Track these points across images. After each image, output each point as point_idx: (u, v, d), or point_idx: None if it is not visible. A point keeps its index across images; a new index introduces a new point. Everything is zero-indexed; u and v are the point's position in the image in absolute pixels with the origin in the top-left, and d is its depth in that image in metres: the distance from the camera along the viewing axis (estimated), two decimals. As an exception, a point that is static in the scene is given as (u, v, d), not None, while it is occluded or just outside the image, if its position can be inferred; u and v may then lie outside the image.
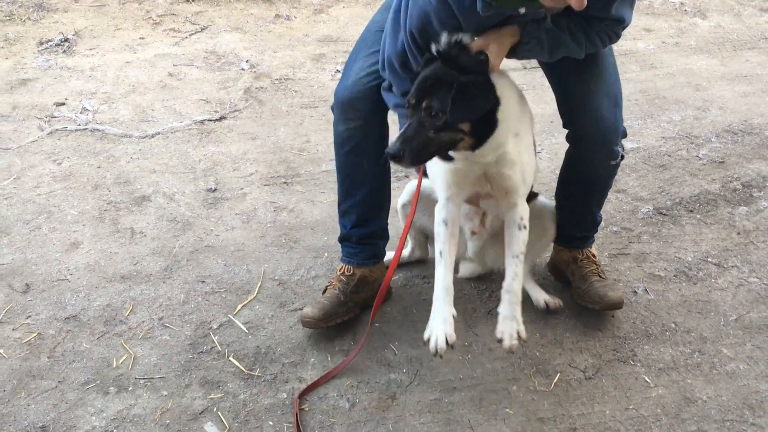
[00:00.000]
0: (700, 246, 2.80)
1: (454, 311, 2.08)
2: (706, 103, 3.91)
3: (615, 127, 2.25)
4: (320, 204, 3.05)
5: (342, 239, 2.48)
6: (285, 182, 3.20)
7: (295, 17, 4.80)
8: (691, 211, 3.02)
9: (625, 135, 2.31)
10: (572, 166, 2.41)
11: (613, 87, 2.25)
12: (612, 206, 3.01)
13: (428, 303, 2.50)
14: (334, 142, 2.35)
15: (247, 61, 4.23)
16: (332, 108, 2.32)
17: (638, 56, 4.36)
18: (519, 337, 2.10)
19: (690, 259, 2.74)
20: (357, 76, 2.21)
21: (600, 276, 2.48)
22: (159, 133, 3.51)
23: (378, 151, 2.34)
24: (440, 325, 2.03)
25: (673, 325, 2.43)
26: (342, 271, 2.47)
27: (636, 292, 2.57)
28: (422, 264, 2.70)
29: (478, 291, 2.57)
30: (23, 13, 4.61)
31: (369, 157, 2.33)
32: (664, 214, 2.99)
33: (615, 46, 4.50)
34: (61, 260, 2.69)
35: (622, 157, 2.33)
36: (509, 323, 2.10)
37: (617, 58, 4.34)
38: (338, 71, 4.18)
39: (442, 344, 2.01)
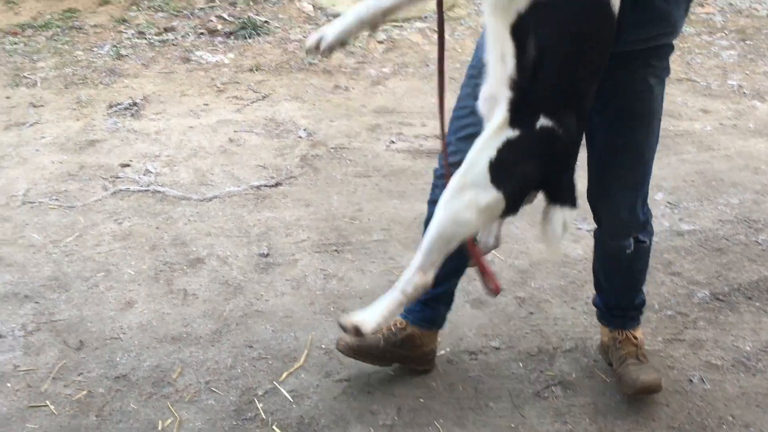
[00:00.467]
0: (759, 335, 2.71)
1: (354, 27, 1.81)
2: (765, 186, 3.84)
3: (629, 222, 2.22)
4: (370, 274, 3.06)
5: None
6: (336, 250, 3.23)
7: (353, 88, 4.93)
8: (750, 298, 2.93)
9: (646, 224, 2.26)
10: (597, 248, 2.41)
11: (638, 179, 2.18)
12: (667, 289, 2.95)
13: (475, 380, 2.47)
14: (428, 200, 2.36)
15: (304, 130, 4.34)
16: (435, 171, 2.32)
17: (695, 137, 4.33)
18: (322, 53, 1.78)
19: (749, 348, 2.64)
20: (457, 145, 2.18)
21: (638, 359, 2.39)
22: (217, 197, 3.61)
23: None
24: (330, 27, 1.81)
25: (730, 419, 2.33)
26: (396, 322, 2.44)
27: (691, 380, 2.48)
28: (469, 337, 2.67)
29: (527, 370, 2.53)
30: (96, 77, 4.86)
31: None
32: (721, 300, 2.91)
33: (671, 126, 4.48)
34: (115, 319, 2.75)
35: (642, 243, 2.28)
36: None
37: (673, 139, 4.33)
38: (393, 142, 4.26)
39: (311, 43, 1.79)
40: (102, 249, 3.18)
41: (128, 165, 3.87)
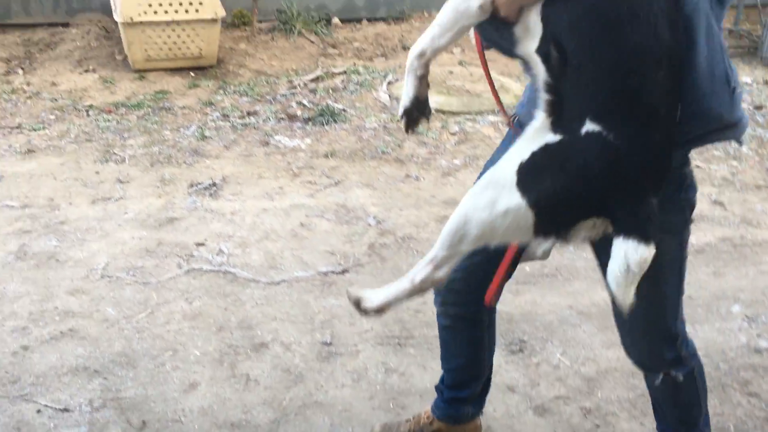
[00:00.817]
0: None
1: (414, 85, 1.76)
2: None
3: (649, 363, 2.12)
4: (431, 370, 3.03)
5: (436, 387, 2.51)
6: (398, 343, 3.22)
7: (424, 178, 5.01)
8: (836, 426, 2.75)
9: (678, 360, 2.09)
10: None
11: (658, 324, 2.00)
12: (743, 411, 2.80)
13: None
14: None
15: (374, 217, 4.41)
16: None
17: (774, 246, 4.18)
18: None
19: (834, 484, 2.46)
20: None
21: None
22: (285, 281, 3.68)
23: (471, 334, 2.33)
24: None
25: None
26: (425, 416, 2.50)
27: None
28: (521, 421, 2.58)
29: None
30: (180, 157, 5.10)
31: (462, 338, 2.35)
32: (804, 427, 2.74)
33: (749, 235, 4.35)
34: (178, 400, 2.79)
35: (674, 377, 2.10)
36: None
37: (751, 248, 4.19)
38: (460, 234, 4.27)
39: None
40: (171, 327, 3.26)
41: (203, 244, 4.00)
